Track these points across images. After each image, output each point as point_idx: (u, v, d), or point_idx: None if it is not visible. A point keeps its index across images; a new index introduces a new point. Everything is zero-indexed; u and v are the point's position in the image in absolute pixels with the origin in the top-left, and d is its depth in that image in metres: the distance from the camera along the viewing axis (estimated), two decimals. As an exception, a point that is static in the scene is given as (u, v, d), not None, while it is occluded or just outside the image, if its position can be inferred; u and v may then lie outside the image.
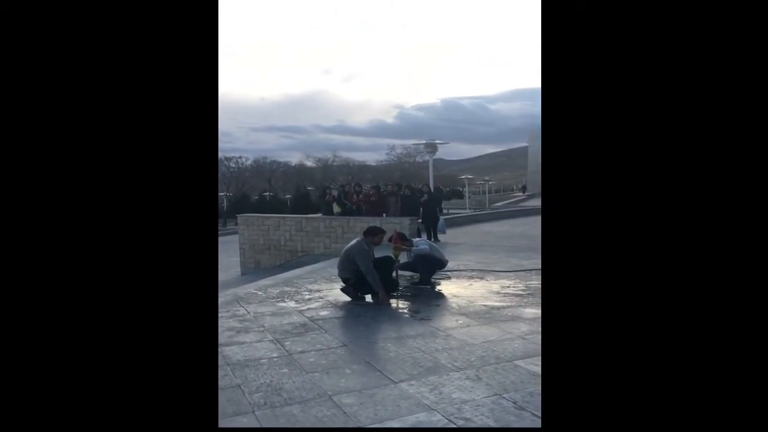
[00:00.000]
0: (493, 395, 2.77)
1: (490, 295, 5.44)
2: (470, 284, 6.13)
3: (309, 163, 64.66)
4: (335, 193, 13.20)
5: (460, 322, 4.38)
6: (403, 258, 6.07)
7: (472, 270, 7.08)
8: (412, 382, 2.97)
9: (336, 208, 12.07)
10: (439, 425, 2.42)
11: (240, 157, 61.00)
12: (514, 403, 2.66)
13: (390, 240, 5.88)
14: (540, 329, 4.05)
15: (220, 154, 59.43)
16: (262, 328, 4.26)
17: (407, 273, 6.33)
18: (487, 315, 4.59)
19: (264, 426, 2.46)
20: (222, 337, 3.97)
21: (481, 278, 6.52)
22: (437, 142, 15.31)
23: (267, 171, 61.56)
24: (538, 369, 3.17)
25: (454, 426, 2.41)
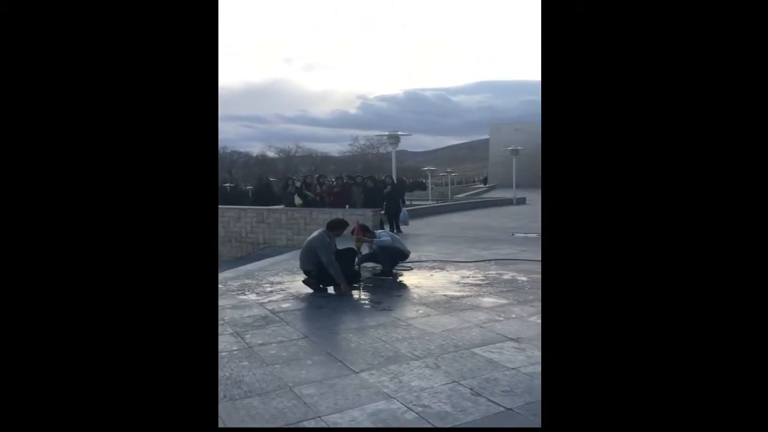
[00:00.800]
0: (451, 382, 2.84)
1: (450, 285, 5.55)
2: (431, 275, 6.23)
3: (271, 154, 63.49)
4: (297, 184, 13.07)
5: (420, 311, 4.46)
6: (365, 249, 6.11)
7: (434, 261, 7.20)
8: (373, 371, 3.02)
9: (297, 200, 11.97)
10: (398, 413, 2.47)
11: (199, 147, 59.25)
12: (471, 389, 2.75)
13: (352, 232, 5.90)
14: (497, 318, 4.19)
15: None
16: (222, 321, 4.21)
17: (369, 264, 6.37)
18: (447, 305, 4.69)
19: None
20: (180, 331, 3.91)
21: (442, 269, 6.63)
22: (400, 133, 15.34)
23: (227, 161, 60.13)
24: (495, 356, 3.28)
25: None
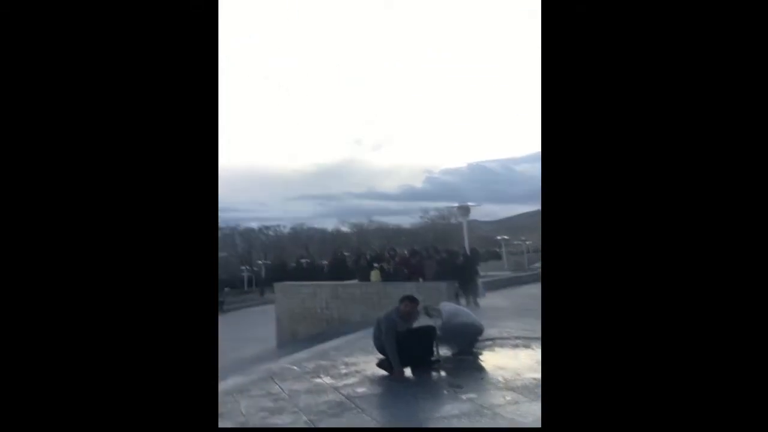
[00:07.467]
0: (552, 490, 2.45)
1: (538, 367, 5.08)
2: (515, 354, 5.77)
3: (345, 229, 65.40)
4: (368, 257, 13.10)
5: (507, 398, 4.06)
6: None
7: (516, 338, 6.71)
8: (459, 473, 2.69)
9: (375, 276, 11.89)
10: None
11: (278, 226, 62.79)
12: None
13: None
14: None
15: (259, 224, 61.33)
16: (296, 408, 4.05)
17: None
18: (537, 390, 4.23)
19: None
20: (255, 419, 3.79)
21: (527, 347, 6.14)
22: (470, 204, 15.29)
23: (304, 237, 62.51)
24: (600, 456, 2.84)
25: None
